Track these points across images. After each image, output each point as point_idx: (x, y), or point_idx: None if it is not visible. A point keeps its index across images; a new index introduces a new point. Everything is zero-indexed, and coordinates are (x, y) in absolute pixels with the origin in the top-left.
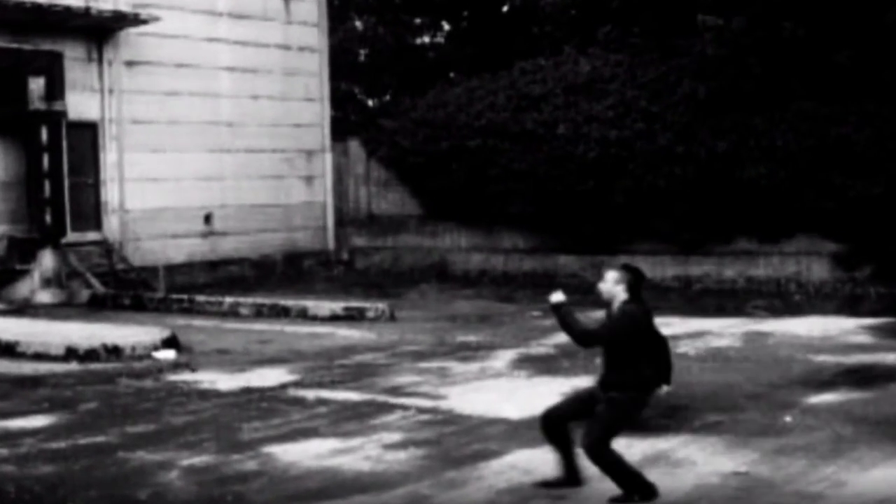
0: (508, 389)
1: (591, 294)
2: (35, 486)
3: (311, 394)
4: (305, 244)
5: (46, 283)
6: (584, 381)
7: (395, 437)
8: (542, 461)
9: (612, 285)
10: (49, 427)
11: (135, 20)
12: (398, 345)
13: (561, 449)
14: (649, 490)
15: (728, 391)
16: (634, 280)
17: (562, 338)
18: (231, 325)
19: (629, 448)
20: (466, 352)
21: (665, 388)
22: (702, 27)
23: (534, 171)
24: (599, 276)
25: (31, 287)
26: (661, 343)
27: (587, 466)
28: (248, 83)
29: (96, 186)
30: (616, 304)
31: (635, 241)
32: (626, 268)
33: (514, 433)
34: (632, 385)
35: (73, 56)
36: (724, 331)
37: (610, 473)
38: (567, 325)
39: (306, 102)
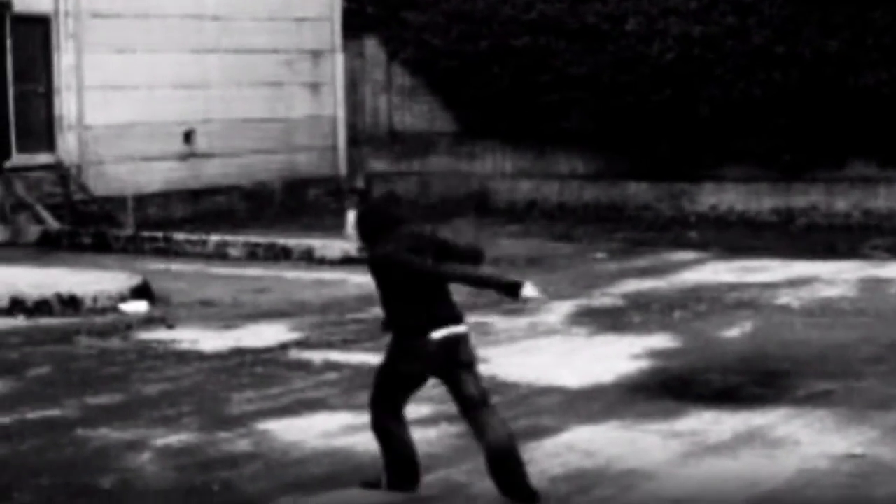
0: (565, 351)
1: (668, 231)
2: None
3: (317, 356)
4: (310, 169)
5: None
6: (659, 340)
7: (423, 410)
8: (606, 440)
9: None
10: None
11: None
12: None
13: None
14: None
15: (840, 353)
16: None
17: (632, 286)
18: (217, 269)
19: (717, 424)
20: (512, 303)
21: None
22: None
23: (596, 77)
24: (678, 209)
25: None
26: None
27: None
28: None
29: (49, 96)
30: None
31: (724, 164)
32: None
33: (571, 405)
34: None
35: None
36: (836, 277)
37: None
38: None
39: None
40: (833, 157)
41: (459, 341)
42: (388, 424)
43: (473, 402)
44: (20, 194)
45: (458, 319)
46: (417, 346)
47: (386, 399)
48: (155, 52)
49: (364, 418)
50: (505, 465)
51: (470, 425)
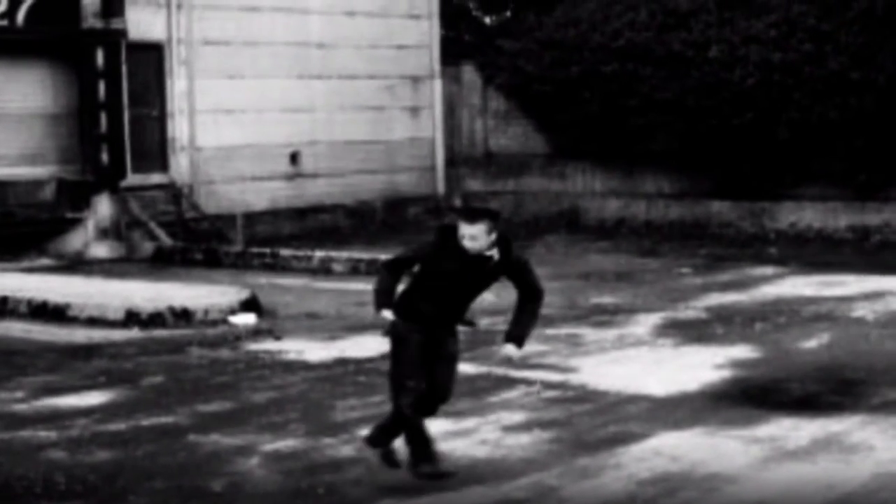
0: (651, 361)
1: (749, 247)
2: (89, 475)
3: None
4: (410, 188)
5: (102, 234)
6: (741, 350)
7: (517, 417)
8: (690, 446)
9: (487, 239)
10: (106, 405)
11: None
12: None
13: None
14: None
15: None
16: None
17: (715, 299)
18: (322, 284)
19: (796, 431)
20: (602, 316)
21: None
22: None
23: (681, 101)
24: (759, 227)
25: (84, 239)
26: None
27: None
28: None
29: (162, 120)
30: (494, 253)
31: (802, 183)
32: (485, 213)
33: (658, 412)
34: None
35: None
36: None
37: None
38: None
39: (411, 20)
40: None
41: None
42: None
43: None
44: (135, 212)
45: None
46: None
47: None
48: (263, 78)
49: (462, 424)
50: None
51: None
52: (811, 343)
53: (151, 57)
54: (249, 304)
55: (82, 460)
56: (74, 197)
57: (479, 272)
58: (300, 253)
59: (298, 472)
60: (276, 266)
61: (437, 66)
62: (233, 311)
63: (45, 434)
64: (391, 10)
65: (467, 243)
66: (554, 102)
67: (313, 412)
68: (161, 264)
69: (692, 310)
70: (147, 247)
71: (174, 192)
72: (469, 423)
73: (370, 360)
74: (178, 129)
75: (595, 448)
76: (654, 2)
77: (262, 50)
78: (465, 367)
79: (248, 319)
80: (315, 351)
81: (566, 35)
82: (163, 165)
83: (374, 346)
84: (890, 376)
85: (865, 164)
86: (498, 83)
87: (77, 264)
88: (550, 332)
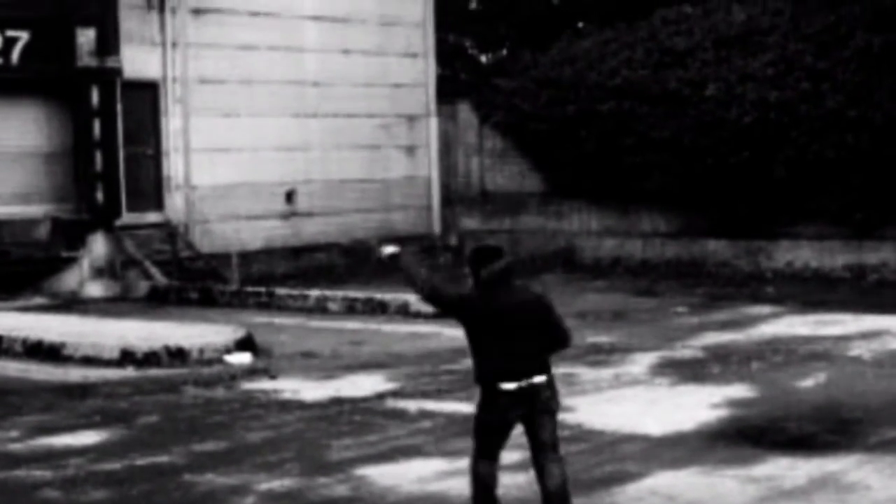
0: (648, 400)
1: (745, 286)
2: None
3: (412, 405)
4: (406, 227)
5: (98, 273)
6: (738, 390)
7: (514, 456)
8: (687, 485)
9: None
10: (101, 445)
11: None
12: None
13: None
14: None
15: None
16: (474, 259)
17: (711, 338)
18: (318, 323)
19: (792, 470)
20: (598, 355)
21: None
22: None
23: (678, 140)
24: (755, 265)
25: (79, 278)
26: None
27: None
28: (338, 35)
29: (157, 158)
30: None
31: (798, 222)
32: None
33: (654, 452)
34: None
35: (130, 3)
36: None
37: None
38: (411, 277)
39: (407, 58)
40: None
41: (535, 391)
42: (479, 469)
43: (544, 447)
44: (130, 251)
45: (533, 371)
46: (492, 395)
47: (479, 445)
48: (258, 116)
49: (457, 464)
50: None
51: (534, 467)
52: (808, 382)
53: (146, 95)
54: (245, 344)
55: (77, 500)
56: (69, 236)
57: None
58: (295, 292)
59: None
60: (272, 305)
61: (432, 105)
62: (228, 351)
63: (39, 473)
64: (387, 49)
65: None
66: (550, 141)
67: (308, 451)
68: (156, 303)
69: (688, 349)
70: (142, 286)
71: (169, 231)
72: (464, 462)
73: (366, 399)
74: (173, 167)
75: (591, 488)
76: (651, 40)
77: (258, 88)
78: (460, 407)
79: (243, 359)
80: (310, 390)
81: (562, 73)
82: (158, 204)
83: (369, 385)
84: (887, 415)
85: (862, 203)
86: (494, 122)
87: (72, 303)
88: None
